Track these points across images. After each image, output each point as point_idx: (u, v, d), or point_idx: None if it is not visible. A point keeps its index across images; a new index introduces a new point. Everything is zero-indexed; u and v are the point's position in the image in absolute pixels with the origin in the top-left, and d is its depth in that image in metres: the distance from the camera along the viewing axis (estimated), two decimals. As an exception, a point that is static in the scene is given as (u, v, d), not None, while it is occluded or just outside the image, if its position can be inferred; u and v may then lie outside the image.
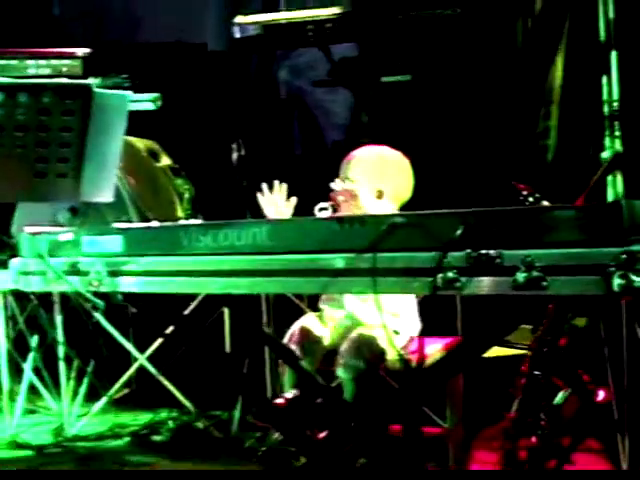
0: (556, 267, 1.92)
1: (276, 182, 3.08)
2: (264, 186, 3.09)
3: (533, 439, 2.86)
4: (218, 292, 2.38)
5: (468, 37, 4.29)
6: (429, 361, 2.85)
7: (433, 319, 3.18)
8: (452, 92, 4.39)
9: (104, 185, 2.71)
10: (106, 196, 2.73)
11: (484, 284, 1.98)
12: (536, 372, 2.84)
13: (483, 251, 1.96)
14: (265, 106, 5.40)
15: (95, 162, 2.63)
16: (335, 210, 3.05)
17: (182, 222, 2.67)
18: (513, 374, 3.01)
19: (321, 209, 3.04)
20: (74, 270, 2.67)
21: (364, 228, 2.13)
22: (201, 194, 4.85)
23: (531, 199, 2.87)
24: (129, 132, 4.54)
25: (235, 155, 4.90)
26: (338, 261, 2.15)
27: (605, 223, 1.90)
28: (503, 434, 2.94)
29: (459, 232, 1.97)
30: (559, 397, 2.85)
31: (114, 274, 2.59)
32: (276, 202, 3.04)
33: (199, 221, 2.68)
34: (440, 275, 1.99)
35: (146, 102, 4.54)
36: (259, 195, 3.08)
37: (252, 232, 2.34)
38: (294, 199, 3.05)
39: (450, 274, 1.99)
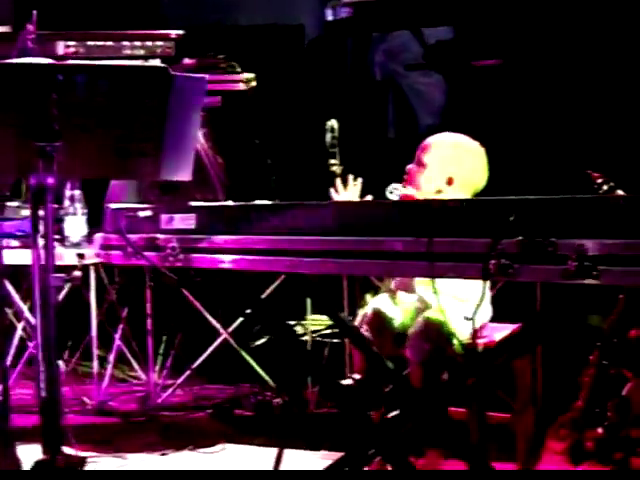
0: (609, 257, 1.92)
1: (350, 177, 3.12)
2: (338, 182, 3.12)
3: (599, 430, 2.85)
4: (283, 271, 2.45)
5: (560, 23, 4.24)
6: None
7: (513, 305, 3.19)
8: (541, 77, 4.35)
9: (183, 164, 2.79)
10: (185, 175, 2.81)
11: (536, 272, 2.00)
12: (604, 362, 2.83)
13: (536, 239, 1.98)
14: (360, 88, 5.43)
15: (174, 142, 2.71)
16: None
17: (255, 202, 2.74)
18: (585, 363, 3.00)
19: (392, 191, 3.09)
20: (151, 246, 2.77)
21: (422, 213, 2.17)
22: (294, 175, 4.93)
23: (605, 187, 2.85)
24: (225, 112, 4.68)
25: (328, 136, 4.93)
26: (397, 245, 2.19)
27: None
28: (570, 424, 2.94)
29: (511, 219, 1.99)
30: (628, 388, 2.84)
31: (188, 250, 2.69)
32: (349, 199, 3.07)
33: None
34: (493, 261, 2.01)
35: (240, 83, 4.65)
36: (333, 192, 3.12)
37: (318, 214, 2.41)
38: (369, 197, 3.08)
39: (503, 260, 2.01)
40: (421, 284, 2.97)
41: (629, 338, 2.85)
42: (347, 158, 4.97)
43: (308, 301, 4.11)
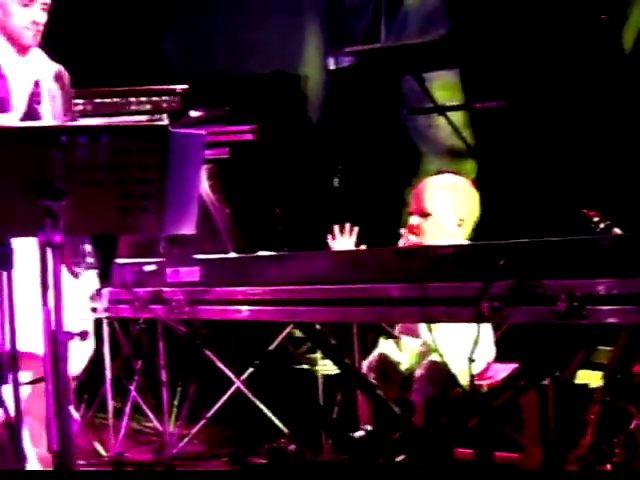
0: (597, 296, 1.96)
1: (347, 225, 3.14)
2: (335, 228, 3.15)
3: (608, 466, 2.86)
4: (282, 320, 2.49)
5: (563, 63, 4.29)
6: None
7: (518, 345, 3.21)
8: (543, 118, 4.40)
9: (186, 219, 2.84)
10: (188, 229, 2.86)
11: (527, 313, 2.03)
12: (608, 399, 2.84)
13: (526, 281, 2.02)
14: (369, 133, 5.50)
15: (176, 197, 2.76)
16: None
17: (258, 254, 2.79)
18: (590, 400, 3.01)
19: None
20: (158, 299, 2.83)
21: (416, 259, 2.21)
22: (302, 221, 4.99)
23: (602, 226, 2.88)
24: (233, 163, 4.75)
25: (336, 181, 4.99)
26: (392, 291, 2.24)
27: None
28: (578, 460, 2.95)
29: (501, 263, 2.03)
30: (634, 425, 2.85)
31: (193, 303, 2.74)
32: (345, 246, 3.09)
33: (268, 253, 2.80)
34: (485, 304, 2.05)
35: (245, 133, 4.73)
36: (329, 237, 3.14)
37: (315, 263, 2.46)
38: (363, 246, 3.09)
39: (495, 303, 2.05)
40: (425, 328, 3.00)
41: (633, 374, 2.87)
42: (357, 201, 5.03)
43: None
